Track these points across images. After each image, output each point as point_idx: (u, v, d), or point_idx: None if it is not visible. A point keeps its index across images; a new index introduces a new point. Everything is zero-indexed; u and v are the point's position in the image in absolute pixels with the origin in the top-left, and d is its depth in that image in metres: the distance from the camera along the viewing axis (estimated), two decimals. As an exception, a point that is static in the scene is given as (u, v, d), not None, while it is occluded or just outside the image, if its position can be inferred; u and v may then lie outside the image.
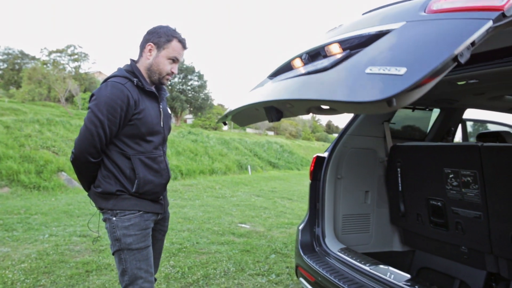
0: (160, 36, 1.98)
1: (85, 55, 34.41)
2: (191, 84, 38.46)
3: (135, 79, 1.94)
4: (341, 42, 1.62)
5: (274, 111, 1.77)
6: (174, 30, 2.02)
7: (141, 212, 1.97)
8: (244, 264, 4.40)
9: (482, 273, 2.56)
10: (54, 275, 3.76)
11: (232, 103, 2.18)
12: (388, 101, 0.98)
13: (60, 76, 27.42)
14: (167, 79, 2.06)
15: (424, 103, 3.40)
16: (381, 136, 3.11)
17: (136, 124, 1.92)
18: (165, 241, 5.11)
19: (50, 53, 32.23)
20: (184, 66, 36.92)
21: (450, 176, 2.55)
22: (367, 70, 1.16)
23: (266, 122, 2.12)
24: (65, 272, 3.84)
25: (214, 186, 11.55)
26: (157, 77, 2.03)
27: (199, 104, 38.42)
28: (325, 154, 2.87)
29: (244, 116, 2.19)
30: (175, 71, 2.05)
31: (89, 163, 1.91)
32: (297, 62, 1.89)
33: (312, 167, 2.87)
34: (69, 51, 33.35)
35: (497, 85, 2.64)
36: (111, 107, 1.83)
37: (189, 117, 49.36)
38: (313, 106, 1.52)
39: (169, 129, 2.18)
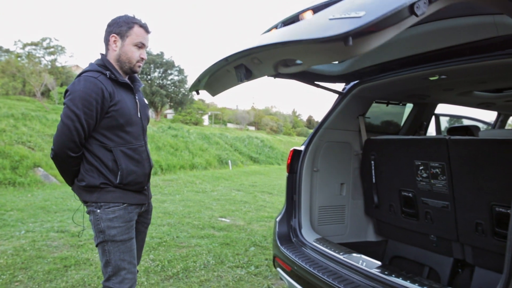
0: (120, 26, 2.00)
1: (62, 48, 33.52)
2: (171, 79, 38.04)
3: (107, 71, 1.96)
4: (314, 9, 1.70)
5: (243, 69, 1.82)
6: (133, 17, 2.05)
7: (125, 205, 2.00)
8: (223, 257, 4.46)
9: (449, 260, 2.69)
10: (31, 270, 3.72)
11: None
12: (344, 38, 1.08)
13: (36, 70, 26.65)
14: (139, 66, 2.08)
15: (398, 98, 3.51)
16: (356, 130, 3.21)
17: (113, 115, 1.94)
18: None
19: (25, 45, 31.23)
20: (164, 60, 36.48)
21: (420, 168, 2.66)
22: (330, 17, 1.26)
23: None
24: (43, 267, 3.81)
25: (195, 181, 11.54)
26: (128, 66, 2.05)
27: (179, 99, 38.05)
28: (302, 148, 2.95)
29: (216, 81, 2.19)
30: (144, 56, 2.07)
31: (70, 158, 1.93)
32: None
33: (289, 160, 2.94)
34: (44, 44, 32.39)
35: (465, 81, 2.77)
36: (86, 101, 1.85)
37: (169, 112, 48.84)
38: (279, 61, 1.61)
39: (148, 119, 2.21)
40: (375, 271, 2.12)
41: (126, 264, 1.97)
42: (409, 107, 3.82)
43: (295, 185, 2.86)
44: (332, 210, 3.09)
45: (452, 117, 5.36)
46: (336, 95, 3.12)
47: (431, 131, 4.69)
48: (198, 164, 15.22)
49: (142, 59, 2.07)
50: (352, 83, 3.02)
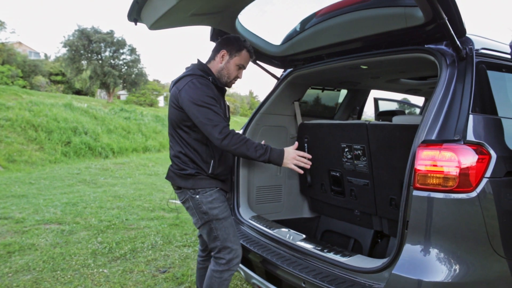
0: (232, 44, 2.31)
1: (1, 24, 31.24)
2: (124, 59, 36.71)
3: (210, 77, 2.23)
4: None
5: None
6: (245, 41, 2.35)
7: (217, 188, 2.28)
8: (172, 237, 4.61)
9: (370, 231, 3.01)
10: (-28, 257, 3.68)
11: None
12: None
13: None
14: (233, 83, 2.39)
15: (331, 85, 3.76)
16: (292, 114, 3.42)
17: None
18: (93, 219, 5.15)
19: (-41, 20, 28.71)
20: (115, 39, 35.04)
21: (346, 150, 2.93)
22: None
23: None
24: (-15, 254, 3.78)
25: (147, 163, 11.47)
26: (225, 80, 2.33)
27: (132, 80, 36.89)
28: (240, 132, 3.12)
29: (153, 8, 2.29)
30: (241, 76, 2.40)
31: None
32: None
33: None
34: (-19, 19, 29.96)
35: (386, 70, 3.04)
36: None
37: (122, 93, 47.22)
38: None
39: (229, 120, 2.46)
40: (298, 243, 2.36)
41: (232, 237, 2.27)
42: (343, 92, 4.09)
43: (234, 167, 3.03)
44: (270, 190, 3.31)
45: (388, 101, 5.75)
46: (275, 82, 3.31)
47: (371, 114, 5.03)
48: (152, 147, 15.06)
49: (238, 78, 2.37)
50: (287, 71, 3.21)
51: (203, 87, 2.13)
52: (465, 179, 1.66)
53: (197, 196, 2.22)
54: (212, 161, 2.23)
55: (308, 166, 2.22)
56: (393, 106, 5.52)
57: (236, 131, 2.14)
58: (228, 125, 2.14)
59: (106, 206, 6.01)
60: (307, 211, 3.57)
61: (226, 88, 2.43)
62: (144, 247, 4.21)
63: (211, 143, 2.17)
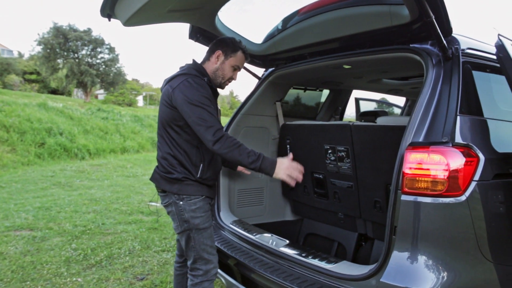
0: (228, 45, 2.24)
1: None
2: (102, 58, 35.98)
3: (205, 77, 2.17)
4: None
5: None
6: (240, 42, 2.30)
7: (203, 197, 2.17)
8: (150, 241, 4.46)
9: (354, 234, 2.96)
10: None
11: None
12: None
13: None
14: (227, 84, 2.31)
15: (313, 85, 3.69)
16: (274, 115, 3.34)
17: None
18: (67, 224, 4.94)
19: None
20: (93, 37, 34.30)
21: (329, 152, 2.86)
22: None
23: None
24: None
25: (126, 165, 11.20)
26: (220, 81, 2.27)
27: (111, 79, 36.19)
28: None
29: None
30: (236, 78, 2.33)
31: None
32: None
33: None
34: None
35: (369, 70, 2.99)
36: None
37: (100, 93, 46.34)
38: None
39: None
40: (282, 249, 2.28)
41: (209, 248, 2.20)
42: (325, 92, 4.03)
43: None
44: (251, 193, 3.21)
45: (370, 101, 5.74)
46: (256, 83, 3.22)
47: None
48: (130, 148, 14.73)
49: (233, 79, 2.31)
50: (269, 70, 3.12)
51: (199, 86, 2.05)
52: (454, 182, 1.61)
53: (181, 203, 2.12)
54: (202, 164, 2.14)
55: (300, 179, 2.12)
56: (372, 106, 5.52)
57: (230, 135, 2.04)
58: (222, 127, 2.04)
59: (82, 210, 5.79)
60: (289, 214, 3.49)
61: (218, 91, 2.36)
62: (121, 253, 4.05)
63: (202, 145, 2.08)
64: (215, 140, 1.95)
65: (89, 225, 4.97)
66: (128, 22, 2.31)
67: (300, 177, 2.10)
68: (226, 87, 2.34)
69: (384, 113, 3.68)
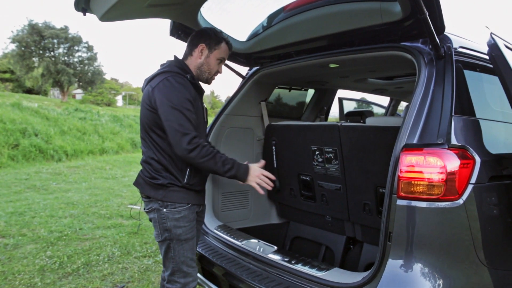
0: (210, 37, 2.12)
1: None
2: (79, 56, 35.15)
3: (187, 74, 2.03)
4: None
5: None
6: (221, 32, 2.20)
7: (189, 205, 2.02)
8: (130, 247, 4.30)
9: (342, 238, 2.88)
10: None
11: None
12: None
13: None
14: (213, 79, 2.21)
15: (298, 84, 3.61)
16: (259, 115, 3.24)
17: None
18: (42, 230, 4.73)
19: None
20: (70, 35, 33.44)
21: (316, 153, 2.78)
22: None
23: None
24: None
25: (104, 166, 10.90)
26: (206, 76, 2.15)
27: (89, 78, 35.39)
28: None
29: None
30: (221, 71, 2.23)
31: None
32: None
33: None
34: None
35: (356, 69, 2.92)
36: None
37: (78, 92, 45.27)
38: None
39: (207, 123, 2.31)
40: (270, 256, 2.18)
41: (189, 260, 2.06)
42: (310, 92, 3.96)
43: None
44: (236, 196, 3.10)
45: (353, 101, 5.71)
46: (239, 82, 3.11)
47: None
48: (109, 149, 14.36)
49: (219, 72, 2.20)
50: (254, 69, 3.02)
51: (180, 86, 1.92)
52: (451, 186, 1.54)
53: (164, 210, 1.98)
54: (188, 169, 1.99)
55: (270, 188, 2.09)
56: (352, 106, 5.49)
57: (205, 143, 1.92)
58: (198, 135, 1.91)
59: (58, 214, 5.55)
60: (275, 217, 3.39)
61: (204, 87, 2.24)
62: (100, 260, 3.87)
63: None
64: (191, 148, 1.84)
65: (66, 231, 4.76)
66: (104, 17, 2.16)
67: (270, 185, 2.09)
68: (202, 85, 2.20)
69: (370, 113, 3.62)
